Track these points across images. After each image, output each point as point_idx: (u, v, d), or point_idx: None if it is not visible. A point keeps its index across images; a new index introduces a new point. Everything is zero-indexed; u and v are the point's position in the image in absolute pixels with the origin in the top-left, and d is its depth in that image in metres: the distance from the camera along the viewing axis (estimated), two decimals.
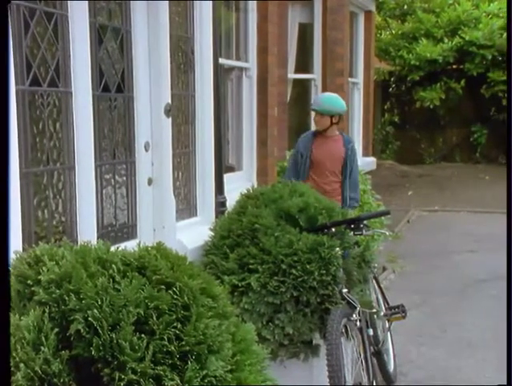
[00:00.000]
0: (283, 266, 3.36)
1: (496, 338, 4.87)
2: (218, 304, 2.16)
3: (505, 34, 12.01)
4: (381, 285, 4.31)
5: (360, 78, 9.51)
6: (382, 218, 6.36)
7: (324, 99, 5.14)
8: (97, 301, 1.94)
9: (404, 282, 6.38)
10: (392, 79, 13.74)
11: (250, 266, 3.41)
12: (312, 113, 5.28)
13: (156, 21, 3.59)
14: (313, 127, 8.12)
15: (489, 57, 12.12)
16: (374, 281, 4.01)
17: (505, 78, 12.27)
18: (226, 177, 4.65)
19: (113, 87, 3.43)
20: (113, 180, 3.50)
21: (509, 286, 3.03)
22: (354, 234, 3.52)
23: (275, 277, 3.34)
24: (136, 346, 1.90)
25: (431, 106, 12.82)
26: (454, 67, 12.97)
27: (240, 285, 3.37)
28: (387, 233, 4.12)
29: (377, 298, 4.02)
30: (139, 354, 1.89)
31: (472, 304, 5.73)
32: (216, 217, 4.14)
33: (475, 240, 7.92)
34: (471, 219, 9.27)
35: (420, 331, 5.02)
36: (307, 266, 3.30)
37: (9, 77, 1.90)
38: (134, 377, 1.85)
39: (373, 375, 3.28)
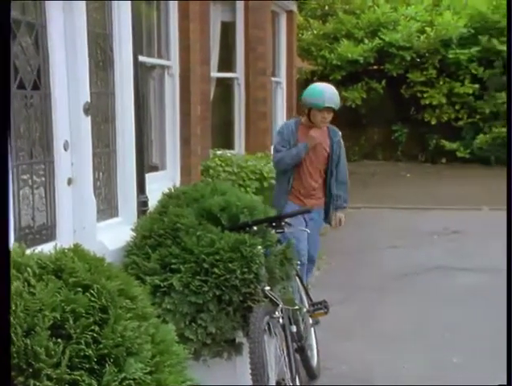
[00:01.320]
0: (205, 265, 3.34)
1: (416, 331, 5.02)
2: (137, 305, 2.14)
3: (422, 37, 12.38)
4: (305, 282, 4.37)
5: (283, 77, 9.60)
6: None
7: (333, 93, 4.77)
8: (11, 307, 1.88)
9: (329, 278, 6.47)
10: (314, 78, 13.90)
11: (172, 266, 3.38)
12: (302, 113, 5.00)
13: (72, 17, 3.50)
14: (239, 127, 8.26)
15: (408, 58, 12.46)
16: (297, 279, 4.05)
17: (423, 79, 12.65)
18: (150, 176, 4.59)
19: (29, 84, 3.33)
20: (30, 180, 3.39)
21: (509, 286, 3.11)
22: (276, 232, 3.54)
23: (198, 277, 3.33)
24: (52, 351, 1.85)
25: (354, 105, 13.06)
26: (375, 67, 13.27)
27: (162, 285, 3.34)
28: (308, 231, 4.18)
29: (300, 295, 4.06)
30: (55, 359, 1.84)
31: (395, 298, 5.87)
32: (138, 217, 4.09)
33: (398, 236, 8.12)
34: (394, 215, 9.49)
35: (345, 326, 5.10)
36: (230, 265, 3.30)
37: (9, 75, 1.91)
38: (50, 384, 1.80)
39: (296, 371, 3.31)
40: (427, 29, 12.33)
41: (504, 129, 12.04)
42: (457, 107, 12.71)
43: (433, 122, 12.84)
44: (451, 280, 6.37)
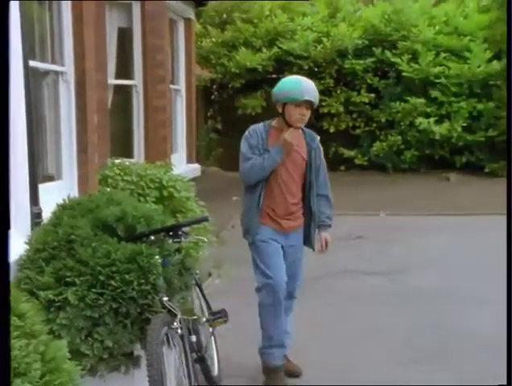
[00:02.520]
0: (101, 278, 3.26)
1: (324, 334, 5.09)
2: (26, 322, 2.05)
3: (319, 47, 12.65)
4: (205, 291, 4.34)
5: (182, 85, 9.55)
6: (206, 224, 6.40)
7: (312, 85, 4.07)
8: None
9: (230, 287, 6.46)
10: (214, 86, 13.93)
11: (67, 279, 3.28)
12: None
13: None
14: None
15: (306, 67, 12.68)
16: (197, 288, 4.02)
17: (321, 88, 12.86)
18: (45, 187, 4.44)
19: None
20: None
21: (509, 286, 3.17)
22: (173, 241, 3.50)
23: (93, 290, 3.23)
24: None
25: (253, 113, 13.17)
26: (274, 76, 13.39)
27: (56, 299, 3.23)
28: (205, 239, 4.17)
29: (200, 305, 4.03)
30: None
31: (302, 302, 5.93)
32: (32, 229, 3.94)
33: None
34: None
35: (248, 334, 5.10)
36: (126, 276, 3.23)
37: (9, 72, 1.92)
38: None
39: (196, 382, 3.28)
40: (324, 39, 12.62)
41: (399, 137, 12.49)
42: (354, 115, 13.07)
43: (332, 130, 13.12)
44: (358, 283, 6.52)
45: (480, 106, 12.15)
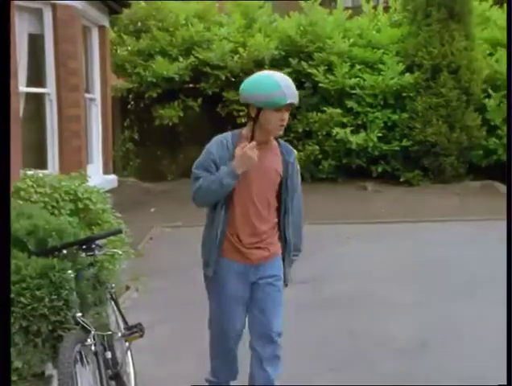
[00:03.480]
0: (11, 295, 3.08)
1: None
2: None
3: (235, 57, 12.66)
4: (123, 305, 4.21)
5: (97, 94, 9.32)
6: (123, 236, 6.24)
7: (292, 84, 3.33)
8: None
9: (148, 300, 6.32)
10: (130, 96, 13.70)
11: None
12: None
13: None
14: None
15: (223, 77, 12.65)
16: (112, 302, 3.87)
17: (238, 98, 12.91)
18: None
19: None
20: None
21: (509, 286, 3.11)
22: (87, 255, 3.36)
23: None
24: None
25: (171, 124, 13.03)
26: (191, 85, 13.32)
27: None
28: (120, 252, 4.03)
29: (115, 319, 3.89)
30: None
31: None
32: None
33: None
34: None
35: (165, 348, 4.98)
36: (37, 293, 3.08)
37: (9, 72, 1.69)
38: None
39: None
40: (240, 49, 12.62)
41: (317, 147, 12.62)
42: None
43: None
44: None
45: (394, 117, 12.45)
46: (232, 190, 3.33)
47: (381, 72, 12.42)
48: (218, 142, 3.45)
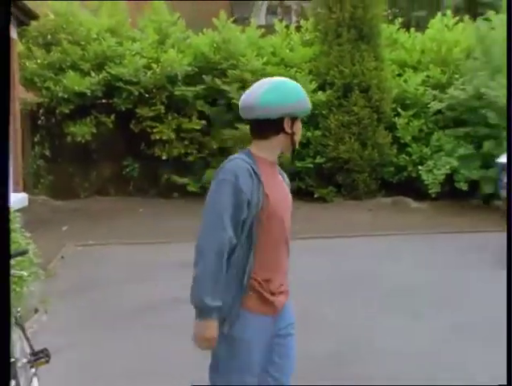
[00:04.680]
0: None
1: (148, 366, 4.89)
2: None
3: (149, 72, 12.52)
4: (30, 329, 4.02)
5: None
6: (32, 256, 6.00)
7: (301, 90, 2.87)
8: None
9: (58, 323, 6.08)
10: (41, 110, 13.29)
11: None
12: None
13: None
14: None
15: (136, 93, 12.49)
16: (18, 327, 3.68)
17: (152, 114, 12.77)
18: None
19: None
20: None
21: (509, 287, 3.06)
22: None
23: None
24: None
25: (83, 140, 12.72)
26: (103, 101, 13.07)
27: None
28: (25, 274, 3.83)
29: (20, 345, 3.69)
30: None
31: (129, 334, 5.70)
32: None
33: (133, 272, 7.98)
34: (128, 250, 9.31)
35: (73, 371, 4.79)
36: None
37: (9, 72, 1.90)
38: None
39: None
40: (154, 65, 12.50)
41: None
42: (186, 142, 13.03)
43: (164, 157, 12.98)
44: (189, 311, 6.37)
45: (308, 134, 12.62)
46: (259, 228, 2.70)
47: None
48: (244, 172, 2.68)
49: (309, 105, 2.87)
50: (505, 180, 8.50)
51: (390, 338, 5.50)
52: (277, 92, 2.77)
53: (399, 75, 13.50)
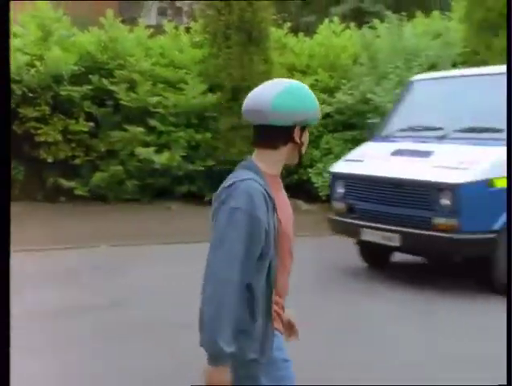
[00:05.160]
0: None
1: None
2: None
3: (32, 70, 11.99)
4: None
5: None
6: None
7: (314, 96, 2.55)
8: None
9: None
10: None
11: None
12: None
13: None
14: None
15: (19, 92, 11.92)
16: None
17: (36, 115, 12.22)
18: None
19: None
20: None
21: (509, 286, 3.08)
22: None
23: None
24: None
25: None
26: None
27: None
28: None
29: None
30: None
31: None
32: None
33: (17, 280, 7.54)
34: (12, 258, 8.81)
35: None
36: None
37: (9, 71, 1.93)
38: None
39: None
40: (37, 63, 11.97)
41: (120, 167, 12.29)
42: (73, 145, 12.55)
43: (50, 160, 12.46)
44: (80, 319, 6.11)
45: (198, 136, 12.52)
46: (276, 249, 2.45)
47: (184, 92, 12.44)
48: (259, 197, 2.37)
49: (320, 115, 2.58)
50: (339, 190, 8.04)
51: None
52: (291, 96, 2.47)
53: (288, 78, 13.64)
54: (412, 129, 8.09)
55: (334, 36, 14.40)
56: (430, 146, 7.47)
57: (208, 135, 12.55)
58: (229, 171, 2.62)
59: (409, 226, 7.02)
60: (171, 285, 7.37)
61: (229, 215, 2.32)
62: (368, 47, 13.37)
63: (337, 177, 8.24)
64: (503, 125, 6.88)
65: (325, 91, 13.23)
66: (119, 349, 5.41)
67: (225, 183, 2.45)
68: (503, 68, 8.31)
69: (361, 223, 7.54)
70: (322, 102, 12.99)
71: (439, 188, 6.79)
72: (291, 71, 13.77)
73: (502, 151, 6.72)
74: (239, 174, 2.46)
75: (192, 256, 8.63)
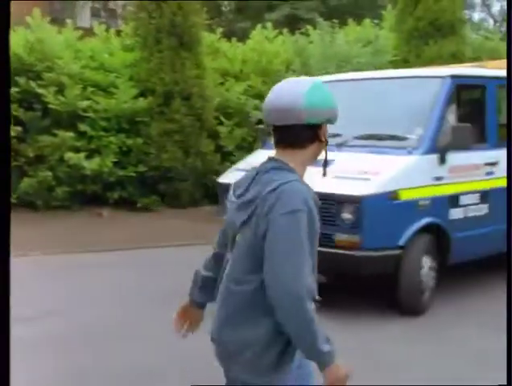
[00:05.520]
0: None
1: None
2: None
3: None
4: None
5: None
6: None
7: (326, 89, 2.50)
8: None
9: None
10: None
11: None
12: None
13: None
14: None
15: None
16: None
17: None
18: None
19: None
20: None
21: (509, 285, 3.07)
22: None
23: None
24: None
25: None
26: None
27: None
28: None
29: None
30: None
31: None
32: None
33: None
34: None
35: None
36: None
37: (9, 70, 2.07)
38: None
39: None
40: None
41: (49, 173, 11.90)
42: None
43: None
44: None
45: (129, 142, 12.28)
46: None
47: (115, 96, 12.19)
48: (309, 196, 2.38)
49: (337, 111, 2.53)
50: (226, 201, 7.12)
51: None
52: (321, 93, 2.43)
53: (221, 84, 13.58)
54: None
55: (267, 42, 14.43)
56: (330, 154, 6.97)
57: (140, 140, 12.32)
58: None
59: None
60: (104, 293, 7.17)
61: (290, 219, 2.27)
62: (300, 53, 13.45)
63: (226, 188, 7.55)
64: (407, 132, 6.60)
65: (258, 96, 13.20)
66: (49, 360, 5.20)
67: (266, 187, 2.34)
68: (410, 72, 8.04)
69: None
70: (255, 108, 13.02)
71: (339, 201, 6.04)
72: (224, 76, 13.71)
73: (407, 160, 6.39)
74: (278, 177, 2.37)
75: (125, 263, 8.55)
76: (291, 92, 2.42)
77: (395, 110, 6.97)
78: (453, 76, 6.96)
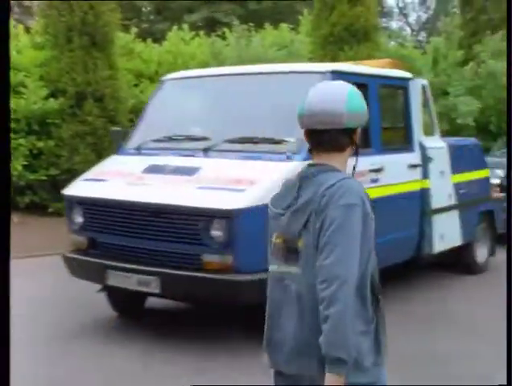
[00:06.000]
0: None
1: None
2: None
3: None
4: None
5: None
6: None
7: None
8: None
9: None
10: None
11: None
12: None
13: None
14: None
15: None
16: None
17: None
18: None
19: None
20: None
21: (509, 284, 3.00)
22: None
23: None
24: None
25: None
26: None
27: None
28: None
29: None
30: None
31: None
32: None
33: None
34: None
35: None
36: None
37: (9, 71, 2.08)
38: None
39: None
40: None
41: None
42: None
43: None
44: None
45: (40, 144, 11.82)
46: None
47: (24, 96, 11.70)
48: (364, 192, 2.40)
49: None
50: (76, 220, 6.31)
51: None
52: (358, 97, 2.45)
53: (136, 85, 13.30)
54: (171, 139, 6.22)
55: (183, 44, 14.27)
56: (196, 161, 5.73)
57: (51, 143, 11.88)
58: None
59: (172, 266, 5.27)
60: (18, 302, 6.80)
61: (346, 212, 2.29)
62: (217, 56, 13.36)
63: (73, 201, 6.31)
64: (286, 134, 5.57)
65: None
66: None
67: (322, 186, 2.35)
68: (288, 66, 6.92)
69: (107, 263, 5.61)
70: None
71: (208, 216, 5.14)
72: (139, 77, 13.45)
73: (286, 167, 5.29)
74: (331, 176, 2.38)
75: (38, 270, 8.17)
76: (333, 96, 2.43)
77: (272, 109, 5.99)
78: (334, 72, 5.99)
